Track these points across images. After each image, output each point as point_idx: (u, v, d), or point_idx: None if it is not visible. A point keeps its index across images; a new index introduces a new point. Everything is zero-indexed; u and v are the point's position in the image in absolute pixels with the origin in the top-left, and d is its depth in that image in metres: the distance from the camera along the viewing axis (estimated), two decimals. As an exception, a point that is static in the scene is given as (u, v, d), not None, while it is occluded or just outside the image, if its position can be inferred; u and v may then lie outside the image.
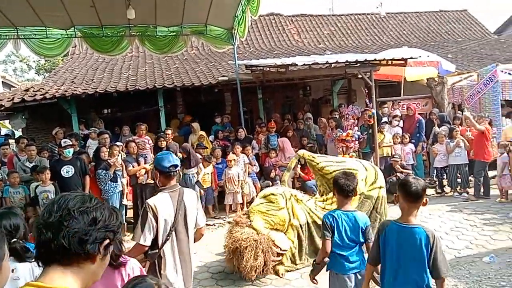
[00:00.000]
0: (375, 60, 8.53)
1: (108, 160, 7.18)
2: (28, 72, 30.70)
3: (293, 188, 7.33)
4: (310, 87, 12.99)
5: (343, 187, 3.24)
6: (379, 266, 2.97)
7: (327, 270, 3.29)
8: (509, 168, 7.78)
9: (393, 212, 7.38)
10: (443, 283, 2.68)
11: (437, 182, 8.94)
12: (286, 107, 13.37)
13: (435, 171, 8.98)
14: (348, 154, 8.20)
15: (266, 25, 17.73)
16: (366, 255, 3.26)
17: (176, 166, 3.19)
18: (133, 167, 7.55)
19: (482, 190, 8.25)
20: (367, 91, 8.79)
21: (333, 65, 8.47)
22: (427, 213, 7.22)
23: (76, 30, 9.18)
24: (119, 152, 7.52)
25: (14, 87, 17.48)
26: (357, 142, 8.68)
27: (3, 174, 7.02)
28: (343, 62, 8.36)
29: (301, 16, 18.77)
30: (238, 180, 8.08)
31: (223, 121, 10.29)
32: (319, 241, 5.52)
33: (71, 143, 7.01)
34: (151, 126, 10.29)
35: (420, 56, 9.29)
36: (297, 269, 5.37)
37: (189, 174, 7.71)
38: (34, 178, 6.72)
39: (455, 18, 20.08)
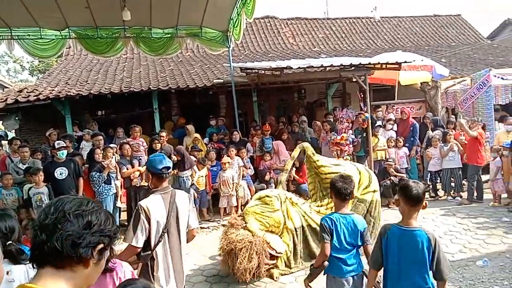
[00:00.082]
0: (369, 64, 8.57)
1: (102, 162, 7.14)
2: (22, 73, 30.50)
3: (287, 191, 7.32)
4: (305, 90, 13.02)
5: (340, 190, 3.25)
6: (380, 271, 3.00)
7: (324, 274, 3.29)
8: (502, 172, 7.84)
9: (386, 216, 7.44)
10: (444, 284, 2.72)
11: (430, 186, 8.98)
12: (281, 110, 13.40)
13: (429, 174, 9.02)
14: (343, 158, 8.22)
15: (261, 28, 17.75)
16: (363, 258, 3.29)
17: (168, 168, 3.22)
18: (127, 169, 7.52)
19: (475, 194, 8.31)
20: (362, 96, 8.82)
21: (327, 68, 8.51)
22: (420, 217, 7.22)
23: (70, 31, 9.12)
24: (113, 154, 7.48)
25: (7, 88, 17.33)
26: (351, 145, 8.71)
27: (-4, 175, 6.96)
28: (337, 66, 8.39)
29: (296, 19, 18.82)
30: (233, 183, 8.07)
31: (217, 124, 10.27)
32: (314, 245, 5.54)
33: (65, 145, 6.97)
34: (145, 128, 10.27)
35: (414, 60, 9.35)
36: (292, 272, 5.37)
37: (183, 177, 7.68)
38: (27, 180, 6.66)
39: (449, 23, 20.24)
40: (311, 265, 3.38)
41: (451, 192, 8.67)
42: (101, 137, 8.02)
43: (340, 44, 17.54)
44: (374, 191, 6.10)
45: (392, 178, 8.43)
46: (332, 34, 18.24)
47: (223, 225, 6.75)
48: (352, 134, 9.05)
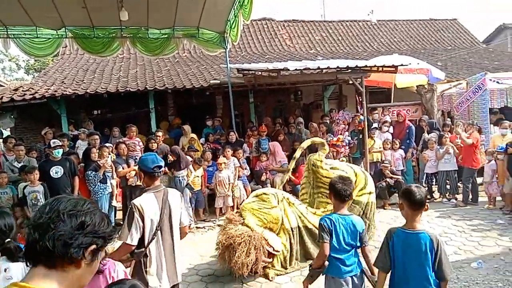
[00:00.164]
0: (366, 66, 8.60)
1: (98, 162, 7.12)
2: (17, 72, 30.30)
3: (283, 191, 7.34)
4: (302, 92, 13.05)
5: (340, 191, 3.27)
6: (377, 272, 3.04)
7: (322, 275, 3.29)
8: (497, 175, 7.88)
9: (382, 217, 7.47)
10: (446, 285, 2.79)
11: (426, 188, 9.02)
12: (278, 111, 13.41)
13: (424, 177, 9.05)
14: (339, 159, 8.24)
15: (258, 30, 17.79)
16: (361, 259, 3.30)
17: (160, 167, 3.28)
18: (123, 168, 7.51)
19: (470, 196, 8.35)
20: (360, 99, 8.84)
21: (324, 70, 8.52)
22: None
23: (67, 30, 9.10)
24: (109, 154, 7.46)
25: (2, 86, 17.24)
26: (347, 147, 8.75)
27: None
28: (334, 68, 8.42)
29: (293, 21, 18.87)
30: (229, 183, 8.07)
31: (214, 124, 10.27)
32: (310, 246, 5.54)
33: (60, 144, 6.94)
34: (141, 128, 10.25)
35: (410, 64, 9.39)
36: (287, 273, 5.36)
37: (179, 177, 7.67)
38: (22, 178, 6.63)
39: (445, 26, 20.36)
40: (310, 265, 3.38)
41: (447, 194, 8.71)
42: (97, 136, 8.01)
43: (337, 46, 17.59)
44: (370, 193, 6.12)
45: (387, 180, 8.45)
46: (329, 36, 18.30)
47: (219, 225, 6.75)
48: (348, 136, 9.09)
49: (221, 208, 8.16)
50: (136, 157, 7.78)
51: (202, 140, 9.62)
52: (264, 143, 9.16)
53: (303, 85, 11.68)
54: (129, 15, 8.08)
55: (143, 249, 3.14)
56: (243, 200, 7.85)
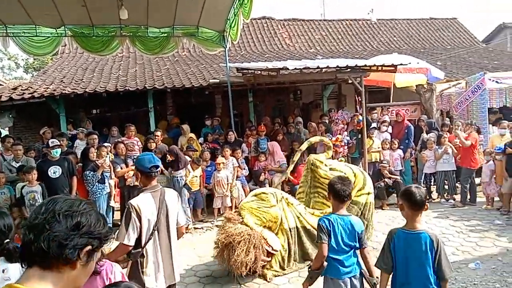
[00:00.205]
0: (365, 66, 8.59)
1: (96, 161, 7.11)
2: (16, 70, 30.26)
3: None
4: (301, 91, 13.04)
5: (339, 192, 3.27)
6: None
7: (321, 276, 3.29)
8: (495, 176, 7.89)
9: (380, 218, 7.47)
10: (446, 284, 2.83)
11: (425, 188, 9.01)
12: (277, 110, 13.40)
13: (423, 177, 9.05)
14: (337, 159, 8.23)
15: (258, 29, 17.77)
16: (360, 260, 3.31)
17: (157, 166, 3.29)
18: (121, 168, 7.51)
19: (468, 196, 8.35)
20: (359, 99, 8.84)
21: (324, 70, 8.52)
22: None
23: (66, 29, 9.09)
24: (107, 153, 7.46)
25: (1, 85, 17.22)
26: (346, 147, 8.73)
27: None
28: (333, 67, 8.42)
29: (292, 20, 18.84)
30: (227, 183, 8.05)
31: (213, 124, 10.26)
32: (308, 246, 5.55)
33: (59, 143, 6.93)
34: (140, 127, 10.24)
35: (409, 63, 9.38)
36: (285, 274, 5.36)
37: (177, 177, 7.66)
38: (20, 178, 6.62)
39: (444, 26, 20.34)
40: (309, 267, 3.38)
41: (445, 195, 8.71)
42: (95, 136, 8.00)
43: (336, 45, 17.57)
44: (368, 193, 6.12)
45: (386, 180, 8.45)
46: (328, 35, 18.28)
47: (217, 226, 6.75)
48: (347, 135, 9.07)
49: (219, 209, 8.14)
50: (135, 157, 7.77)
51: (201, 139, 9.61)
52: (263, 143, 9.15)
53: (303, 84, 11.67)
54: (129, 13, 8.07)
55: (140, 249, 3.15)
56: (242, 200, 7.86)
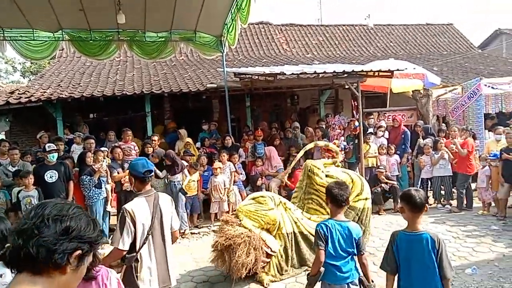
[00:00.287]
0: (362, 71, 8.63)
1: (93, 166, 7.09)
2: (13, 74, 30.18)
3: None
4: (298, 96, 13.06)
5: (336, 196, 3.28)
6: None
7: (319, 281, 3.29)
8: (490, 181, 7.92)
9: (376, 223, 7.47)
10: (448, 282, 2.88)
11: (422, 192, 9.02)
12: (274, 115, 13.41)
13: (419, 182, 9.08)
14: (334, 164, 8.24)
15: (256, 34, 17.83)
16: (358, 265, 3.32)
17: (150, 171, 3.30)
18: (118, 173, 7.48)
19: (465, 202, 8.38)
20: (356, 104, 8.86)
21: (321, 75, 8.55)
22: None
23: (64, 33, 9.08)
24: (104, 158, 7.44)
25: (-2, 88, 17.16)
26: (343, 152, 8.74)
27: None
28: (330, 73, 8.44)
29: (290, 25, 18.93)
30: (224, 188, 8.05)
31: (210, 128, 10.25)
32: (305, 252, 5.54)
33: (55, 148, 6.91)
34: (137, 132, 10.22)
35: (406, 68, 9.43)
36: (282, 279, 5.35)
37: (174, 181, 7.64)
38: (16, 183, 6.58)
39: (441, 31, 20.48)
40: (308, 273, 3.38)
41: (441, 200, 8.74)
42: (92, 140, 7.96)
43: (333, 51, 17.65)
44: (366, 199, 6.11)
45: (382, 185, 8.47)
46: (325, 40, 18.36)
47: (214, 231, 6.73)
48: (344, 140, 9.10)
49: (216, 214, 8.13)
50: (132, 161, 7.76)
51: (198, 144, 9.61)
52: (260, 147, 9.16)
53: (300, 89, 11.70)
54: (126, 18, 8.07)
55: (134, 254, 3.15)
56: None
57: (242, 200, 8.06)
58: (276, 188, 8.57)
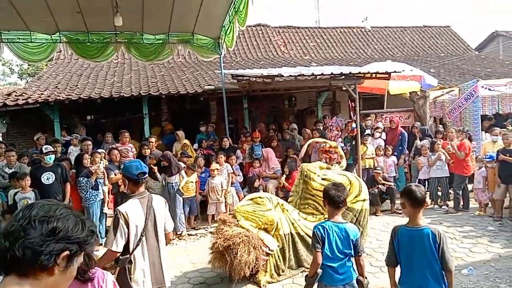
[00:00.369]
0: (359, 73, 8.65)
1: (90, 168, 7.09)
2: (11, 76, 30.13)
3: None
4: (296, 98, 13.09)
5: (333, 198, 3.28)
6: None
7: (316, 283, 3.30)
8: (487, 182, 7.94)
9: (374, 224, 7.48)
10: (452, 275, 2.96)
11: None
12: (271, 117, 13.44)
13: (416, 183, 9.07)
14: (331, 165, 8.26)
15: (253, 36, 17.86)
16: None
17: (144, 173, 3.31)
18: (115, 175, 7.48)
19: (461, 203, 8.40)
20: (353, 105, 8.88)
21: (318, 77, 8.56)
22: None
23: (61, 35, 9.09)
24: (101, 160, 7.43)
25: (-5, 91, 17.15)
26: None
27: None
28: (328, 74, 8.46)
29: (287, 28, 18.97)
30: (222, 190, 8.05)
31: (207, 130, 10.26)
32: (302, 253, 5.54)
33: (52, 150, 6.91)
34: (135, 133, 10.23)
35: (403, 70, 9.45)
36: (279, 281, 5.35)
37: (172, 183, 7.64)
38: (12, 185, 6.57)
39: (438, 33, 20.55)
40: (306, 275, 3.39)
41: (438, 201, 8.75)
42: (90, 142, 7.96)
43: (331, 53, 17.69)
44: (364, 200, 6.11)
45: (380, 186, 8.48)
46: (323, 43, 18.40)
47: (211, 233, 6.72)
48: (341, 142, 9.11)
49: (213, 215, 8.12)
50: (129, 163, 7.75)
51: (196, 146, 9.61)
52: (257, 149, 9.16)
53: (297, 91, 11.73)
54: (124, 20, 8.08)
55: (128, 255, 3.16)
56: (236, 207, 7.85)
57: (240, 201, 8.07)
58: (274, 189, 8.59)
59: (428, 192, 8.94)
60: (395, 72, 8.83)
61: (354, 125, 8.83)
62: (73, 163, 7.57)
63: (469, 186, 8.56)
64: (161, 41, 9.86)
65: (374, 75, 8.80)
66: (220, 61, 10.34)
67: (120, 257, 3.14)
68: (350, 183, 6.03)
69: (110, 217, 7.67)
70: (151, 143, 8.32)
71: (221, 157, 8.35)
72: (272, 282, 5.29)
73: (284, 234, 5.44)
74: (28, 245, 1.16)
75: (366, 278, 3.29)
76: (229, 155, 8.58)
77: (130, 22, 8.60)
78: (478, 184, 8.06)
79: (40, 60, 10.21)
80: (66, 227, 1.24)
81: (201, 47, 10.20)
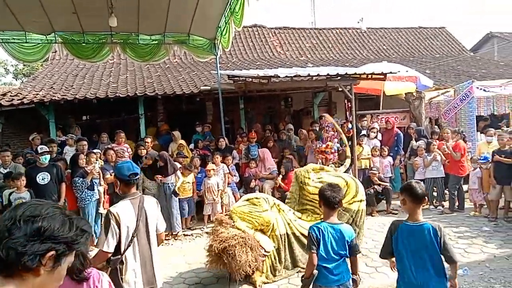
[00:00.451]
0: (355, 74, 8.67)
1: (85, 168, 7.06)
2: (6, 76, 30.00)
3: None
4: (292, 99, 13.12)
5: (329, 199, 3.28)
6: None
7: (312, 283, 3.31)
8: (481, 183, 7.97)
9: (369, 224, 7.50)
10: (456, 265, 3.07)
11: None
12: (268, 117, 13.45)
13: (412, 183, 9.10)
14: (328, 166, 8.27)
15: (249, 37, 17.86)
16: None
17: (136, 174, 3.31)
18: (110, 175, 7.45)
19: (457, 203, 8.43)
20: (349, 105, 8.90)
21: (314, 78, 8.57)
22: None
23: (56, 35, 9.05)
24: (97, 160, 7.41)
25: (-10, 91, 17.06)
26: (336, 154, 8.77)
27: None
28: (324, 75, 8.47)
29: (283, 28, 18.99)
30: (218, 190, 8.04)
31: (203, 130, 10.25)
32: (298, 253, 5.54)
33: (48, 150, 6.88)
34: (130, 134, 10.20)
35: (399, 71, 9.48)
36: (275, 281, 5.35)
37: (168, 183, 7.62)
38: (7, 185, 6.54)
39: (433, 34, 20.63)
40: (302, 276, 3.39)
41: (434, 201, 8.78)
42: (85, 142, 7.95)
43: (327, 53, 17.73)
44: (361, 201, 6.12)
45: (375, 186, 8.50)
46: (319, 43, 18.43)
47: (207, 233, 6.72)
48: (337, 142, 9.12)
49: (209, 215, 8.12)
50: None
51: (192, 146, 9.60)
52: (254, 149, 9.17)
53: (293, 92, 11.75)
54: (120, 21, 8.05)
55: (119, 256, 3.17)
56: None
57: (236, 201, 8.06)
58: (270, 190, 8.59)
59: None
60: (390, 73, 8.86)
61: (350, 125, 8.84)
62: (68, 163, 7.54)
63: (465, 187, 8.60)
64: (156, 42, 9.84)
65: (370, 76, 8.82)
66: (216, 62, 10.33)
67: (112, 257, 3.14)
68: (347, 184, 6.04)
69: (106, 217, 7.65)
70: (147, 144, 8.30)
71: (217, 158, 8.34)
72: (268, 283, 5.29)
73: (280, 235, 5.44)
74: (12, 246, 1.14)
75: (358, 276, 3.33)
76: (225, 156, 8.57)
77: (126, 22, 8.58)
78: (473, 184, 8.10)
79: (35, 61, 10.15)
80: (52, 226, 1.21)
81: (197, 48, 10.19)
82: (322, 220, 3.39)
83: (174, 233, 7.49)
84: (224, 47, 9.81)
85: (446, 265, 3.07)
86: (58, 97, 9.24)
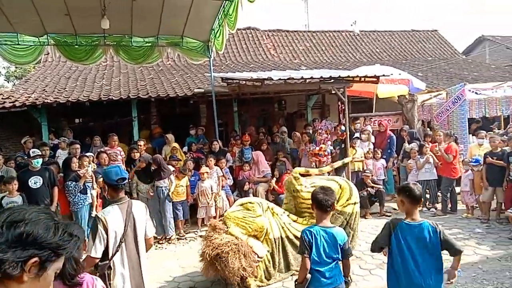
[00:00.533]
0: (348, 76, 8.70)
1: (78, 171, 7.01)
2: (-3, 78, 29.79)
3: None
4: (285, 101, 13.13)
5: (321, 202, 3.28)
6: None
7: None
8: (473, 185, 8.03)
9: (363, 227, 7.51)
10: (460, 256, 3.15)
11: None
12: (261, 120, 13.44)
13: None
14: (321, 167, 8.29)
15: (243, 39, 17.89)
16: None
17: (124, 179, 3.31)
18: (103, 178, 7.40)
19: (449, 205, 8.48)
20: (343, 107, 8.93)
21: (308, 80, 8.61)
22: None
23: (49, 37, 8.98)
24: (89, 163, 7.36)
25: (-19, 93, 16.90)
26: (329, 156, 8.80)
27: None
28: (317, 78, 8.49)
29: (277, 31, 19.04)
30: (212, 193, 8.02)
31: (197, 133, 10.21)
32: (291, 256, 5.53)
33: (40, 153, 6.82)
34: (124, 136, 10.15)
35: (392, 74, 9.54)
36: (269, 284, 5.34)
37: (161, 187, 7.58)
38: (-1, 189, 6.48)
39: (426, 38, 20.80)
40: (295, 281, 3.39)
41: (426, 204, 8.82)
42: (77, 146, 7.86)
43: (320, 56, 17.79)
44: (355, 203, 6.12)
45: (369, 189, 8.53)
46: (312, 46, 18.49)
47: (201, 236, 6.70)
48: (330, 145, 9.15)
49: (203, 219, 8.09)
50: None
51: (185, 149, 9.57)
52: (247, 152, 9.15)
53: (287, 94, 11.77)
54: (113, 23, 8.02)
55: (107, 261, 3.16)
56: (226, 210, 7.81)
57: (230, 204, 8.05)
58: (264, 193, 8.59)
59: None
60: (383, 76, 8.92)
61: (343, 128, 8.88)
62: (61, 166, 7.48)
63: (457, 189, 8.65)
64: (150, 44, 9.80)
65: (363, 79, 8.86)
66: (209, 64, 10.31)
67: (100, 263, 3.13)
68: (341, 187, 6.03)
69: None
70: (140, 147, 8.26)
71: (211, 160, 8.32)
72: (262, 286, 5.28)
73: (274, 239, 5.43)
74: None
75: (350, 278, 3.35)
76: (219, 158, 8.55)
77: (119, 24, 8.54)
78: (465, 187, 8.16)
79: (27, 63, 10.07)
80: (35, 232, 1.16)
81: (190, 50, 10.17)
82: (315, 223, 3.40)
83: (167, 237, 7.46)
84: (217, 50, 9.81)
85: (444, 264, 3.12)
86: (50, 100, 9.18)
